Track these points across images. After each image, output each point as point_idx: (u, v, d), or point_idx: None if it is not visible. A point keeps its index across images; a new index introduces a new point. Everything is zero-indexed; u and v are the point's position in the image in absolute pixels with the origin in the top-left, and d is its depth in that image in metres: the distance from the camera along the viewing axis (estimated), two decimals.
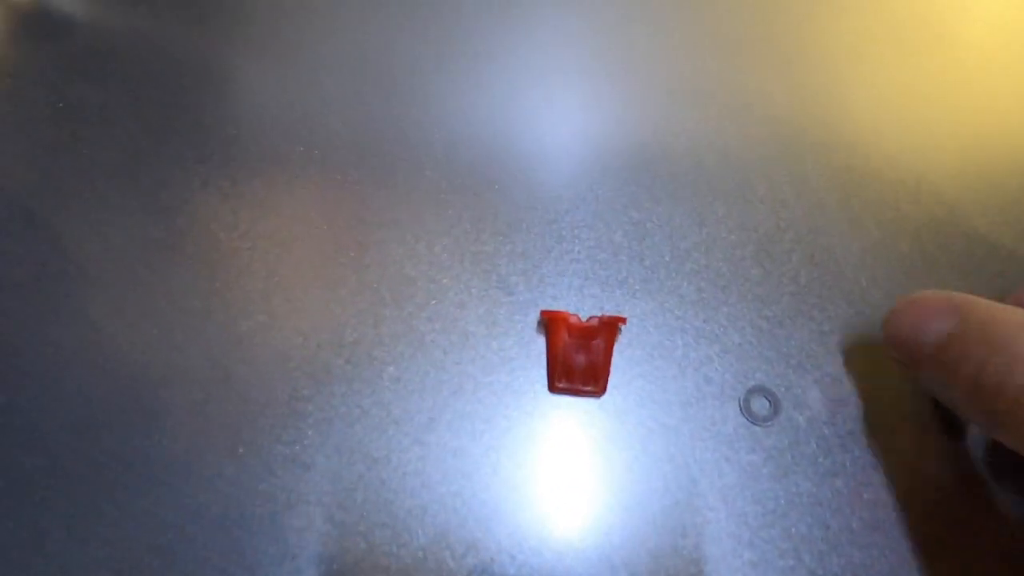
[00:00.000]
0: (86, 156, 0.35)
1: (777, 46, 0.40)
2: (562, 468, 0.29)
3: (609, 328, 0.30)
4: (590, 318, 0.30)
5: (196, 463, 0.29)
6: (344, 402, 0.30)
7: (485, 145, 0.36)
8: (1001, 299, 0.26)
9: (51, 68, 0.38)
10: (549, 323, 0.30)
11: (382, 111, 0.37)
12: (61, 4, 0.40)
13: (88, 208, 0.34)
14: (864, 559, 0.28)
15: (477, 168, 0.35)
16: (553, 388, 0.30)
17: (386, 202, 0.34)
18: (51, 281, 0.32)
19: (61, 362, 0.30)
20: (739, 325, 0.32)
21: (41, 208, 0.34)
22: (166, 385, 0.30)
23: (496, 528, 0.28)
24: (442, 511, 0.28)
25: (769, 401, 0.30)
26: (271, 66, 0.39)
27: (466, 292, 0.32)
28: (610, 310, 0.32)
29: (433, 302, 0.32)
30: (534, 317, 0.32)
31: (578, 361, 0.30)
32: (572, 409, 0.30)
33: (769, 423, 0.30)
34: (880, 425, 0.30)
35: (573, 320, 0.30)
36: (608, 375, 0.30)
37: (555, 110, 0.38)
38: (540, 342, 0.31)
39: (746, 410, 0.30)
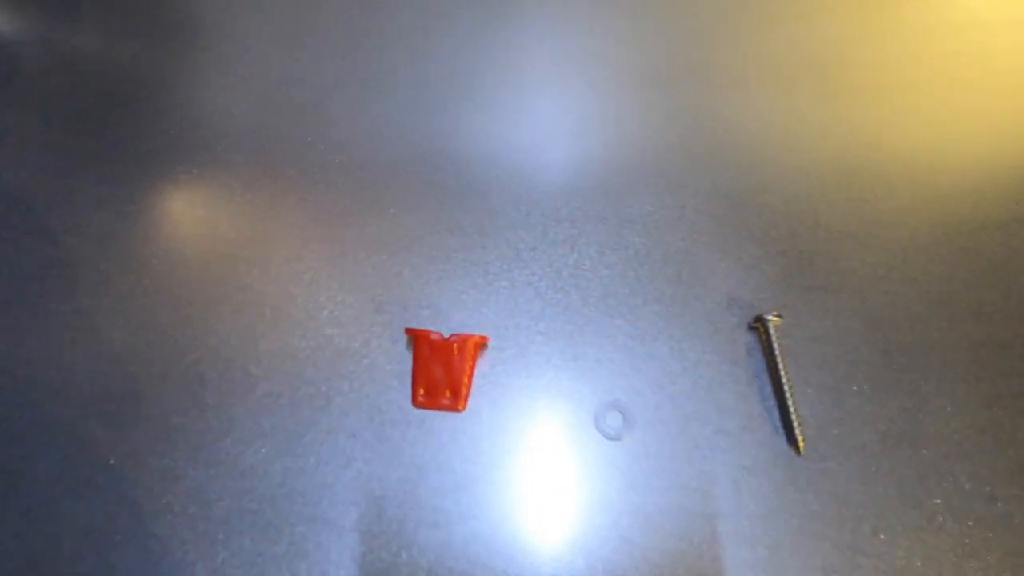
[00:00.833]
0: None
1: (657, 73, 0.41)
2: (422, 482, 0.30)
3: (470, 345, 0.31)
4: (452, 336, 0.31)
5: (69, 474, 0.30)
6: (216, 415, 0.31)
7: (380, 166, 0.37)
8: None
9: None
10: (413, 340, 0.32)
11: (279, 133, 0.39)
12: None
13: None
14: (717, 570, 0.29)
15: (369, 190, 0.37)
16: (416, 402, 0.31)
17: (274, 221, 0.36)
18: None
19: None
20: (602, 343, 0.33)
21: None
22: (48, 400, 0.31)
23: (350, 536, 0.29)
24: (302, 521, 0.30)
25: (622, 416, 0.31)
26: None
27: (342, 310, 0.34)
28: (477, 329, 0.33)
29: (310, 320, 0.33)
30: (404, 336, 0.33)
31: (439, 376, 0.31)
32: (435, 423, 0.31)
33: (620, 438, 0.31)
34: (730, 435, 0.31)
35: (435, 337, 0.31)
36: (469, 391, 0.31)
37: (431, 134, 0.39)
38: (409, 359, 0.32)
39: (599, 425, 0.31)
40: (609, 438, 0.31)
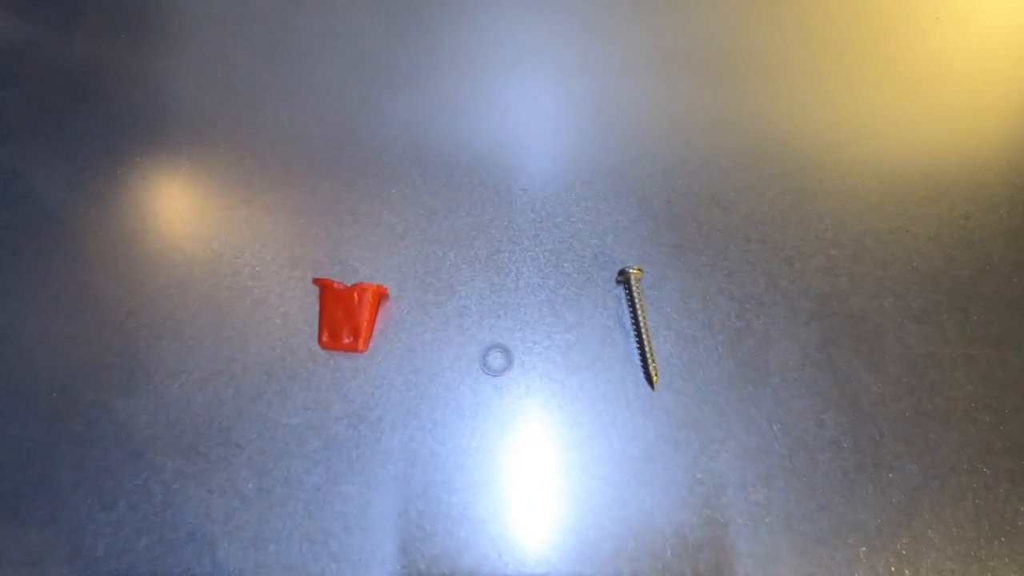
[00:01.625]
0: None
1: (554, 61, 0.45)
2: (324, 412, 0.35)
3: (369, 293, 0.35)
4: (353, 284, 0.36)
5: (18, 401, 0.34)
6: (147, 355, 0.36)
7: (301, 144, 0.42)
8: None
9: None
10: (320, 288, 0.36)
11: (216, 114, 0.43)
12: None
13: None
14: (598, 500, 0.33)
15: (290, 164, 0.41)
16: (320, 343, 0.36)
17: (206, 191, 0.40)
18: None
19: None
20: (489, 295, 0.37)
21: None
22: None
23: (256, 456, 0.33)
24: (216, 445, 0.34)
25: (504, 355, 0.36)
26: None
27: (263, 266, 0.38)
28: (380, 282, 0.37)
29: (234, 275, 0.38)
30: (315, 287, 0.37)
31: (341, 320, 0.35)
32: (340, 363, 0.36)
33: (503, 375, 0.35)
34: (596, 371, 0.35)
35: (338, 286, 0.36)
36: (369, 334, 0.36)
37: (367, 112, 0.43)
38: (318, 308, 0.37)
39: (484, 364, 0.36)
40: (493, 375, 0.35)
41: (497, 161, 0.41)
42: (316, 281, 0.36)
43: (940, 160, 0.41)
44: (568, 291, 0.37)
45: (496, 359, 0.36)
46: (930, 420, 0.34)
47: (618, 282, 0.37)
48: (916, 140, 0.42)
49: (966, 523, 0.32)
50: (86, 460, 0.34)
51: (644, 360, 0.35)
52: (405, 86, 0.44)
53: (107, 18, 0.47)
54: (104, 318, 0.37)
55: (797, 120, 0.43)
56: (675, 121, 0.42)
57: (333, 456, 0.34)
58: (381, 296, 0.37)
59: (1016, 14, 0.47)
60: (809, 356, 0.36)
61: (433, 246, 0.39)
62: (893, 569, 0.31)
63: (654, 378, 0.35)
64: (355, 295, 0.35)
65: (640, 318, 0.35)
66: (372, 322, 0.36)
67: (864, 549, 0.32)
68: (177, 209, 0.40)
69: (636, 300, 0.36)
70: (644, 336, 0.35)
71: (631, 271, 0.36)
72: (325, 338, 0.35)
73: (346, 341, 0.35)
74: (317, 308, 0.37)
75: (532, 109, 0.43)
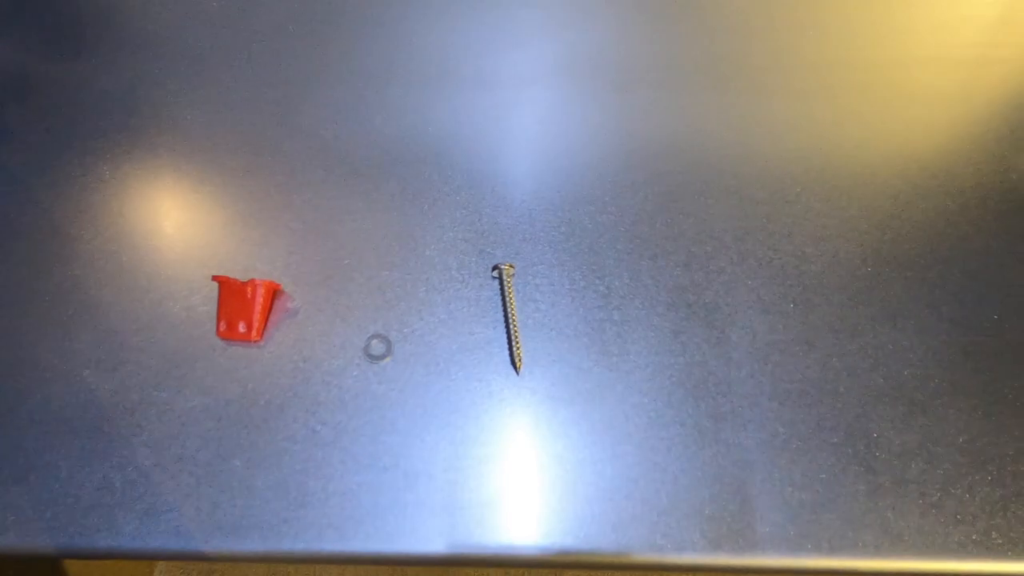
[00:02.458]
0: None
1: (435, 74, 0.49)
2: (217, 399, 0.38)
3: (263, 288, 0.39)
4: (248, 280, 0.39)
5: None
6: (63, 343, 0.39)
7: (213, 149, 0.46)
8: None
9: None
10: (219, 284, 0.40)
11: (143, 118, 0.47)
12: None
13: None
14: (468, 473, 0.36)
15: (202, 168, 0.45)
16: (218, 333, 0.39)
17: (125, 199, 0.44)
18: None
19: None
20: (375, 289, 0.41)
21: None
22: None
23: (146, 429, 0.37)
24: (120, 428, 0.37)
25: (385, 343, 0.39)
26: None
27: (170, 267, 0.42)
28: (278, 278, 0.41)
29: (143, 273, 0.41)
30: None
31: (236, 313, 0.39)
32: (237, 352, 0.39)
33: (383, 361, 0.39)
34: (471, 354, 0.39)
35: (234, 281, 0.39)
36: (263, 326, 0.39)
37: (277, 123, 0.47)
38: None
39: (367, 350, 0.39)
40: (375, 360, 0.39)
41: (392, 169, 0.45)
42: (215, 278, 0.39)
43: (795, 164, 0.45)
44: (448, 286, 0.41)
45: (377, 347, 0.39)
46: (769, 400, 0.38)
47: (493, 277, 0.41)
48: (773, 147, 0.45)
49: (797, 491, 0.35)
50: (1, 439, 0.37)
51: (511, 347, 0.39)
52: (309, 97, 0.47)
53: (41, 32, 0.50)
54: (25, 309, 0.40)
55: (668, 128, 0.46)
56: (552, 129, 0.46)
57: (224, 435, 0.37)
58: (274, 291, 0.40)
59: (868, 28, 0.50)
60: (664, 343, 0.39)
61: (328, 246, 0.42)
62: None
63: (519, 364, 0.38)
64: (249, 290, 0.39)
65: (509, 310, 0.39)
66: (265, 315, 0.40)
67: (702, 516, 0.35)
68: (105, 209, 0.43)
69: (506, 293, 0.39)
70: (512, 326, 0.39)
71: (503, 267, 0.40)
72: (223, 328, 0.39)
73: (241, 331, 0.39)
74: (216, 303, 0.40)
75: (423, 116, 0.47)
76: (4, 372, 0.39)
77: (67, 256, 0.42)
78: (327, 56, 0.50)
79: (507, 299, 0.39)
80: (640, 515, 0.35)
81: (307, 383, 0.38)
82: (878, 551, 0.35)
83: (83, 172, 0.45)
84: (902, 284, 0.41)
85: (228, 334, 0.39)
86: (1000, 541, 0.35)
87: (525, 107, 0.47)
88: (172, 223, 0.43)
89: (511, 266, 0.40)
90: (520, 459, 0.36)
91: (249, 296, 0.39)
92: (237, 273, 0.41)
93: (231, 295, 0.39)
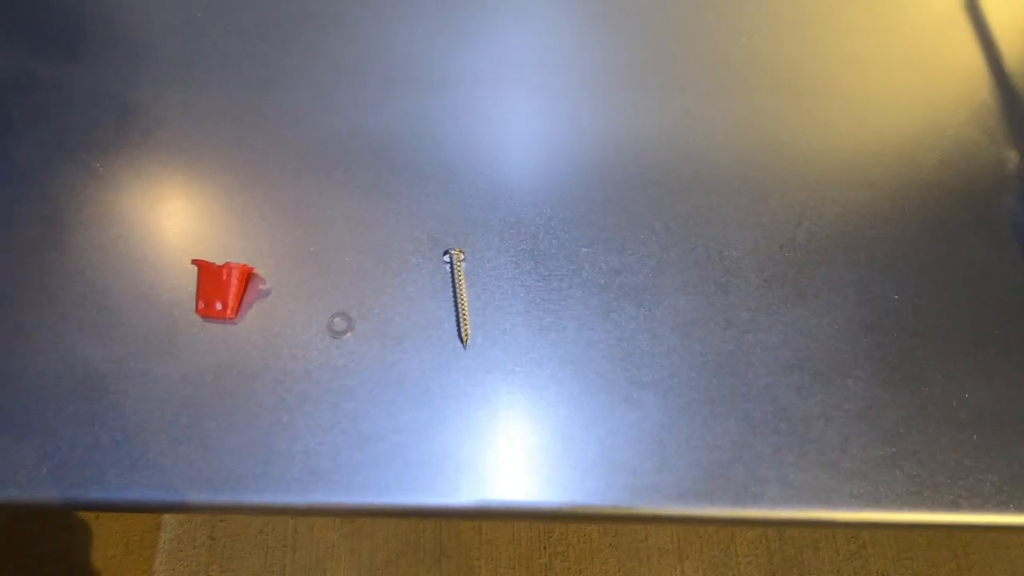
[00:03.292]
0: None
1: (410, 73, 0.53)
2: (195, 370, 0.43)
3: (238, 270, 0.43)
4: (224, 263, 0.44)
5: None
6: (57, 316, 0.44)
7: (191, 139, 0.50)
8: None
9: None
10: (198, 267, 0.44)
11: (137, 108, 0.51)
12: None
13: None
14: (423, 436, 0.41)
15: (187, 158, 0.49)
16: (197, 311, 0.44)
17: (114, 174, 0.49)
18: None
19: None
20: (337, 271, 0.45)
21: None
22: None
23: (131, 407, 0.42)
24: (103, 397, 0.42)
25: (347, 320, 0.44)
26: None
27: (152, 251, 0.46)
28: (250, 263, 0.45)
29: (130, 255, 0.46)
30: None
31: (213, 292, 0.43)
32: (214, 330, 0.44)
33: (344, 336, 0.43)
34: (422, 330, 0.43)
35: (211, 264, 0.44)
36: (237, 304, 0.44)
37: (259, 113, 0.51)
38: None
39: (330, 327, 0.44)
40: (336, 335, 0.43)
41: (352, 163, 0.49)
42: (195, 261, 0.44)
43: (721, 160, 0.49)
44: (404, 269, 0.45)
45: (339, 324, 0.44)
46: (688, 370, 0.42)
47: (445, 262, 0.45)
48: (702, 144, 0.50)
49: (709, 451, 0.40)
50: (3, 401, 0.42)
51: (458, 323, 0.43)
52: (276, 98, 0.52)
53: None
54: (25, 282, 0.45)
55: (608, 127, 0.51)
56: (499, 128, 0.51)
57: (202, 401, 0.42)
58: (248, 274, 0.45)
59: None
60: (597, 320, 0.44)
61: (296, 234, 0.47)
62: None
63: (465, 338, 0.43)
64: (224, 272, 0.43)
65: (457, 290, 0.44)
66: (239, 295, 0.44)
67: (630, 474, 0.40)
68: (101, 199, 0.48)
69: (455, 276, 0.44)
70: (460, 304, 0.43)
71: (453, 252, 0.44)
72: (201, 306, 0.44)
73: (218, 308, 0.43)
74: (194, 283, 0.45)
75: (383, 114, 0.51)
76: (7, 345, 0.43)
77: (64, 243, 0.46)
78: (292, 59, 0.54)
79: (456, 281, 0.44)
80: (570, 470, 0.40)
81: (276, 356, 0.43)
82: (778, 503, 0.39)
83: (79, 167, 0.49)
84: (813, 268, 0.45)
85: (206, 311, 0.43)
86: (889, 494, 0.39)
87: (476, 107, 0.52)
88: (158, 213, 0.48)
89: (461, 251, 0.44)
90: (463, 422, 0.41)
91: (225, 277, 0.43)
92: (214, 258, 0.45)
93: (208, 277, 0.44)
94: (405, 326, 0.44)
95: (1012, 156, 0.50)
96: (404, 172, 0.49)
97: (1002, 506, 0.39)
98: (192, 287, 0.45)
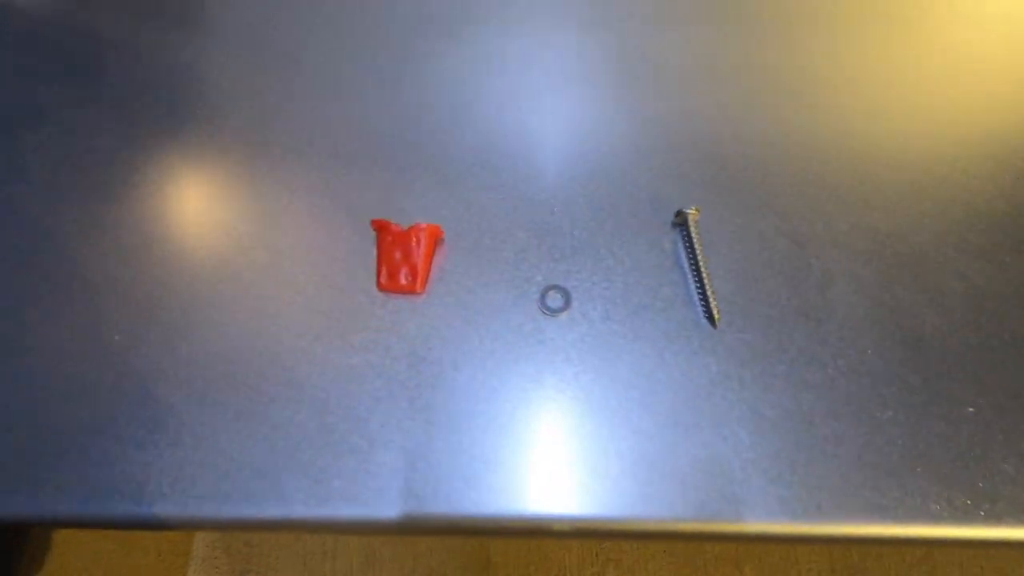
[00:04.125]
0: None
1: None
2: (385, 353, 0.34)
3: (426, 234, 0.35)
4: (411, 226, 0.36)
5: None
6: (207, 294, 0.36)
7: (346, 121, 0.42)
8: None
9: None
10: (377, 230, 0.36)
11: (265, 95, 0.44)
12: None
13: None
14: (662, 436, 0.33)
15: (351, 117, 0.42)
16: (379, 286, 0.36)
17: (264, 159, 0.41)
18: None
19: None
20: (545, 237, 0.37)
21: None
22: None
23: (312, 404, 0.33)
24: (278, 384, 0.34)
25: (563, 295, 0.35)
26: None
27: (318, 213, 0.38)
28: (433, 220, 0.37)
29: (291, 223, 0.38)
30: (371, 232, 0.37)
31: (399, 262, 0.35)
32: (398, 304, 0.36)
33: (562, 315, 0.35)
34: (656, 311, 0.35)
35: (395, 227, 0.36)
36: (427, 276, 0.36)
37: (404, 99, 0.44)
38: (374, 253, 0.37)
39: (543, 304, 0.35)
40: (552, 314, 0.35)
41: (551, 114, 0.41)
42: (375, 223, 0.36)
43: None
44: (623, 234, 0.37)
45: (555, 300, 0.35)
46: (993, 354, 0.34)
47: (674, 224, 0.37)
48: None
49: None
50: (149, 400, 0.34)
51: (705, 299, 0.35)
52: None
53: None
54: (160, 266, 0.37)
55: (837, 70, 0.42)
56: (713, 69, 0.42)
57: (395, 393, 0.33)
58: (437, 238, 0.37)
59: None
60: (869, 297, 0.35)
61: (484, 192, 0.39)
62: (969, 503, 0.31)
63: (716, 316, 0.34)
64: (412, 236, 0.35)
65: (700, 258, 0.35)
66: (429, 263, 0.36)
67: (937, 483, 0.31)
68: (231, 163, 0.40)
69: (695, 240, 0.35)
70: (704, 275, 0.35)
71: (688, 212, 0.36)
72: (383, 280, 0.35)
73: (404, 282, 0.35)
74: (372, 252, 0.37)
75: (572, 64, 0.43)
76: (144, 329, 0.35)
77: (199, 224, 0.39)
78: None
79: (696, 246, 0.35)
80: (870, 479, 0.31)
81: (481, 339, 0.35)
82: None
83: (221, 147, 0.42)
84: None
85: (390, 285, 0.35)
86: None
87: (664, 50, 0.43)
88: (314, 170, 0.40)
89: (697, 210, 0.36)
90: (723, 419, 0.33)
91: (413, 243, 0.35)
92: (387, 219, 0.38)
93: (392, 243, 0.36)
94: (635, 303, 0.35)
95: None
96: (627, 133, 0.40)
97: None
98: (368, 257, 0.37)
